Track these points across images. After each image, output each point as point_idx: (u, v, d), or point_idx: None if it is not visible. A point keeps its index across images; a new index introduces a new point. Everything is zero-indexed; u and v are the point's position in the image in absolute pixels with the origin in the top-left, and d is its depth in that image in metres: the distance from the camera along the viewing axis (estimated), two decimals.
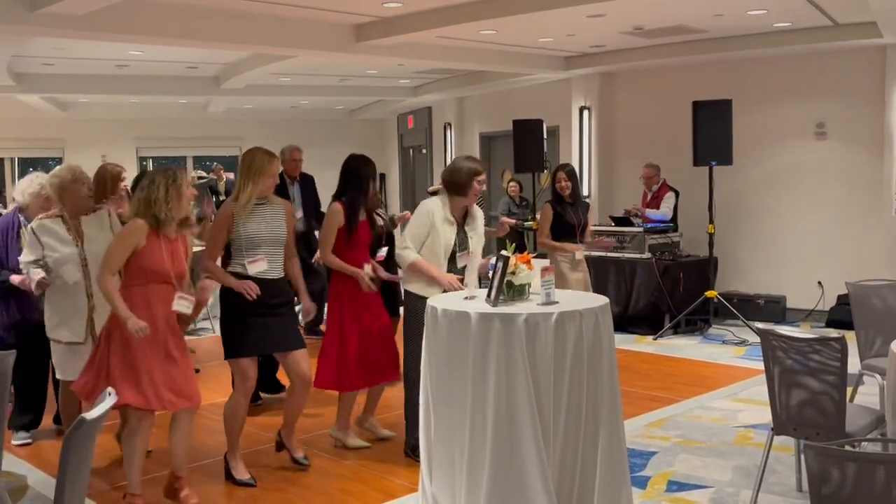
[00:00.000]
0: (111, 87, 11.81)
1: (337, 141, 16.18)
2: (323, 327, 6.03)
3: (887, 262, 8.16)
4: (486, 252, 5.08)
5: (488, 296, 3.72)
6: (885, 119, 8.37)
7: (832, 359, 3.57)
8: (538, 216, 7.08)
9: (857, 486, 2.23)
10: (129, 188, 5.35)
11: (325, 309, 5.21)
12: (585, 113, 10.86)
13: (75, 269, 4.60)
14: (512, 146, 9.46)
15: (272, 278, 4.46)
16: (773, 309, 9.03)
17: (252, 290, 4.30)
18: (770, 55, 8.98)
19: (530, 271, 3.78)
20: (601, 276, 8.35)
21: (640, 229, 8.68)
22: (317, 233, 7.56)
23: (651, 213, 9.03)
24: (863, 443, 3.62)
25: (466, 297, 3.89)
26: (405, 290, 4.68)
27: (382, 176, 16.25)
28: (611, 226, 9.07)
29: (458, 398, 3.56)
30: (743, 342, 7.96)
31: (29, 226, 4.77)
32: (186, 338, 4.37)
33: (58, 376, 4.78)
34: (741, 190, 9.36)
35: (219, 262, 4.49)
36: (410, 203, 15.86)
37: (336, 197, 4.98)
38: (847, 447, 2.33)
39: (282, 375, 5.78)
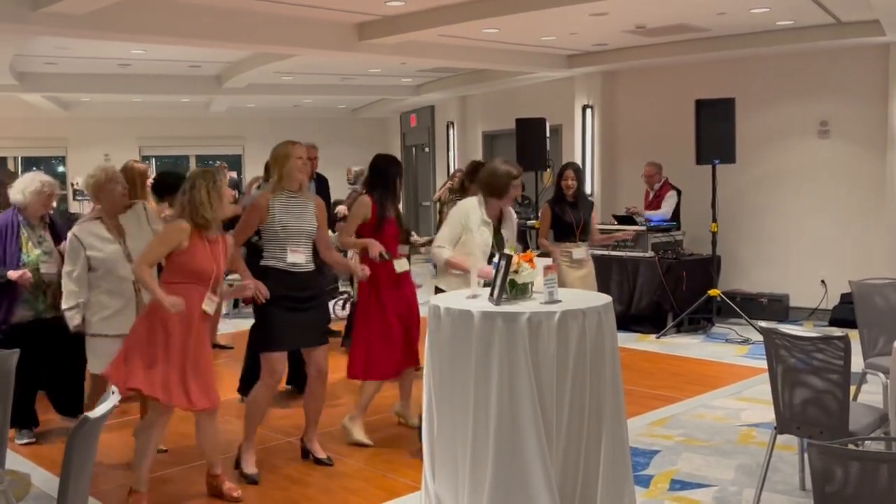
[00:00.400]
0: (113, 87, 11.82)
1: (339, 140, 16.19)
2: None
3: (890, 261, 8.15)
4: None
5: (491, 294, 3.72)
6: (888, 117, 8.36)
7: (835, 357, 3.56)
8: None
9: (861, 485, 2.23)
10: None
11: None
12: (588, 111, 10.85)
13: (126, 264, 4.69)
14: (514, 145, 9.46)
15: (304, 271, 4.56)
16: (776, 307, 9.02)
17: (261, 293, 4.36)
18: (773, 54, 8.97)
19: (533, 270, 3.78)
20: (604, 274, 8.34)
21: (644, 228, 8.67)
22: (329, 231, 7.67)
23: (650, 214, 9.03)
24: (866, 441, 3.61)
25: (469, 296, 3.89)
26: (436, 288, 4.80)
27: None
28: (613, 224, 9.07)
29: (460, 397, 3.56)
30: (746, 341, 7.95)
31: (70, 232, 4.83)
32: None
33: (94, 371, 4.81)
34: (744, 188, 9.35)
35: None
36: (412, 202, 15.87)
37: (368, 192, 5.15)
38: (850, 446, 2.33)
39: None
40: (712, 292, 8.33)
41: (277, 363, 4.55)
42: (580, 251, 6.62)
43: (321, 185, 7.56)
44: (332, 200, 7.92)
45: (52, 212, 5.32)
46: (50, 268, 5.04)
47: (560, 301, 3.65)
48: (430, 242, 8.92)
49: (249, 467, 4.60)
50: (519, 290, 3.77)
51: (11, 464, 4.41)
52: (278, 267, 4.49)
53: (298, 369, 5.92)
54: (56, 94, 12.76)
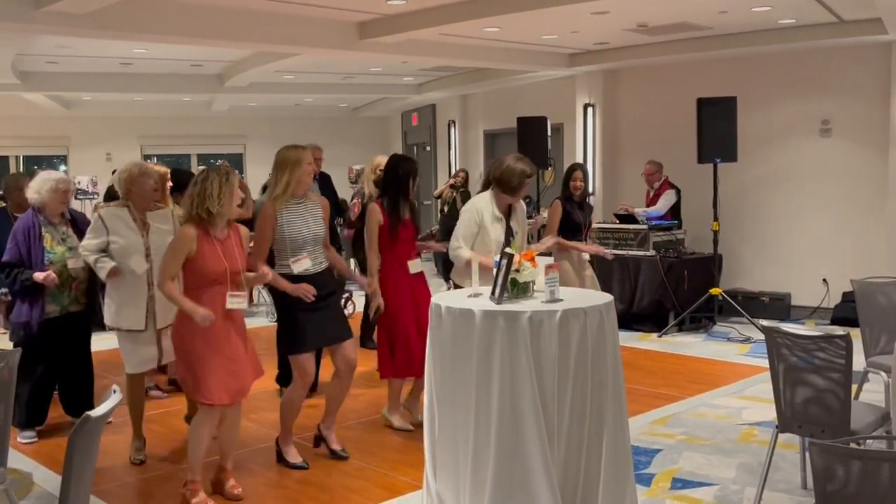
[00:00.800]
0: (115, 85, 11.83)
1: (340, 139, 16.20)
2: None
3: (892, 260, 8.14)
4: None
5: (492, 293, 3.72)
6: (890, 116, 8.35)
7: (837, 356, 3.56)
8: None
9: (862, 484, 2.23)
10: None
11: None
12: (589, 110, 10.85)
13: (141, 258, 4.76)
14: (516, 143, 9.45)
15: (317, 272, 4.59)
16: (778, 306, 9.02)
17: (309, 293, 4.42)
18: (775, 52, 8.96)
19: (534, 269, 3.78)
20: (605, 273, 8.34)
21: (645, 226, 8.67)
22: (338, 228, 7.73)
23: (646, 211, 9.02)
24: (868, 440, 3.61)
25: (471, 295, 3.89)
26: (454, 284, 4.88)
27: None
28: (615, 223, 9.07)
29: (462, 396, 3.56)
30: (747, 339, 7.95)
31: (95, 213, 4.93)
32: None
33: (126, 370, 4.90)
34: (746, 187, 9.34)
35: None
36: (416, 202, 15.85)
37: (379, 196, 5.23)
38: (852, 445, 2.33)
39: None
40: (714, 291, 8.32)
41: (307, 364, 4.62)
42: (587, 252, 6.69)
43: (325, 183, 7.59)
44: (340, 198, 7.97)
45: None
46: (76, 262, 5.11)
47: (561, 300, 3.65)
48: (430, 237, 8.95)
49: (294, 457, 4.72)
50: (520, 289, 3.77)
51: (13, 462, 4.42)
52: (288, 275, 4.52)
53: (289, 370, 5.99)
54: (58, 93, 12.76)
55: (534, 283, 3.81)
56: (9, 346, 5.00)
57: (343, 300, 9.31)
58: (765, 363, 4.15)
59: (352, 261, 7.61)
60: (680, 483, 4.40)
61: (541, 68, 10.59)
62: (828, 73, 8.82)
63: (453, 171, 12.68)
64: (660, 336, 8.25)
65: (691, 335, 8.29)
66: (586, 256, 6.66)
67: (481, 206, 4.82)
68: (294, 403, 4.69)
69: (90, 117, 14.82)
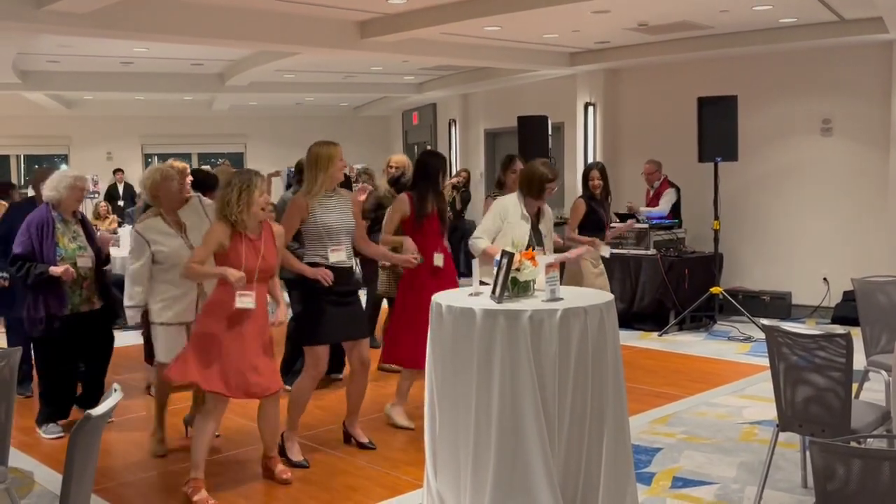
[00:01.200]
0: (116, 85, 11.84)
1: (341, 138, 16.05)
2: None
3: (893, 258, 8.13)
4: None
5: (493, 292, 3.72)
6: (891, 115, 8.34)
7: (837, 355, 3.56)
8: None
9: (863, 483, 2.22)
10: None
11: None
12: (590, 109, 10.84)
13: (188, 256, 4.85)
14: (517, 143, 9.45)
15: (344, 267, 4.66)
16: (779, 305, 9.01)
17: (327, 277, 4.50)
18: (775, 51, 8.96)
19: (535, 268, 3.78)
20: (607, 272, 8.33)
21: (646, 225, 8.67)
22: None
23: (649, 211, 9.04)
24: (868, 439, 3.61)
25: (471, 294, 3.89)
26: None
27: None
28: (616, 222, 9.06)
29: (462, 395, 3.56)
30: (748, 338, 7.95)
31: (132, 228, 5.05)
32: None
33: (160, 358, 4.90)
34: (746, 186, 9.34)
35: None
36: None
37: (408, 189, 5.45)
38: (852, 444, 2.33)
39: None
40: (714, 290, 8.32)
41: (322, 356, 4.67)
42: (605, 249, 6.79)
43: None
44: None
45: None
46: (85, 261, 5.17)
47: (562, 299, 3.65)
48: None
49: (296, 455, 4.73)
50: (521, 288, 3.77)
51: (14, 461, 4.42)
52: (322, 264, 4.58)
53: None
54: (59, 93, 12.78)
55: (534, 281, 3.81)
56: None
57: None
58: (765, 362, 4.15)
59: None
60: (680, 482, 4.40)
61: (541, 67, 10.59)
62: (829, 73, 8.82)
63: (454, 171, 12.68)
64: (660, 335, 8.25)
65: (692, 334, 8.29)
66: (605, 253, 6.76)
67: (508, 204, 5.00)
68: (303, 394, 4.71)
69: (91, 116, 14.83)
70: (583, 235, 6.77)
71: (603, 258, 6.82)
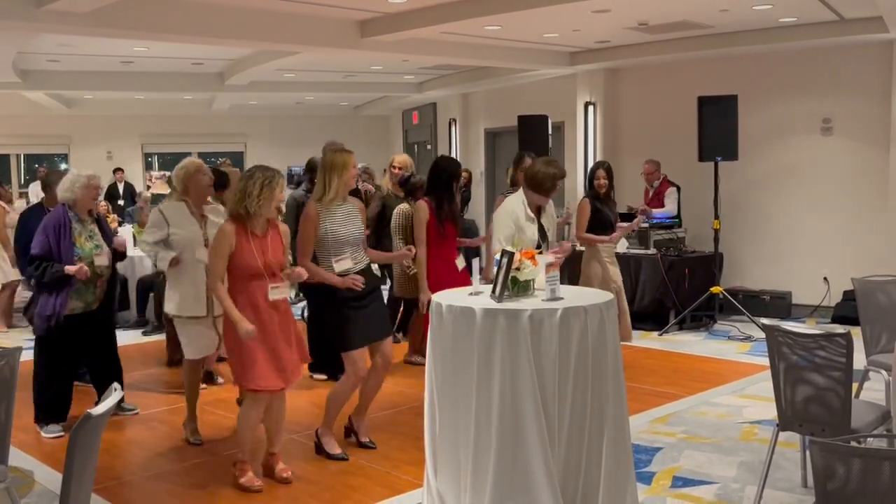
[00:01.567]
0: (116, 84, 11.84)
1: (341, 137, 16.06)
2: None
3: (893, 258, 8.13)
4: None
5: (493, 291, 3.72)
6: (891, 114, 8.34)
7: (838, 355, 3.56)
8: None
9: (863, 482, 2.23)
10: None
11: None
12: (590, 108, 10.84)
13: (202, 248, 5.00)
14: (517, 142, 9.45)
15: (359, 270, 4.67)
16: (779, 305, 9.02)
17: (357, 282, 4.53)
18: (776, 51, 8.95)
19: (535, 267, 3.78)
20: None
21: (646, 225, 8.67)
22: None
23: (656, 211, 9.04)
24: (868, 439, 3.61)
25: (472, 293, 3.89)
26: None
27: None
28: (617, 222, 9.06)
29: (462, 394, 3.56)
30: (748, 338, 7.95)
31: (155, 208, 5.24)
32: None
33: (186, 356, 5.15)
34: (746, 186, 9.34)
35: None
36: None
37: (425, 195, 5.54)
38: (852, 443, 2.33)
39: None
40: (714, 289, 8.32)
41: (359, 358, 4.69)
42: (622, 243, 6.84)
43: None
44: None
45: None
46: (102, 260, 5.26)
47: (562, 298, 3.65)
48: None
49: (334, 449, 4.82)
50: (521, 287, 3.77)
51: (14, 460, 4.42)
52: (334, 273, 4.60)
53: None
54: (59, 92, 12.78)
55: (534, 281, 3.81)
56: (9, 344, 5.00)
57: None
58: (765, 361, 4.15)
59: None
60: (681, 481, 4.41)
61: (542, 67, 10.58)
62: (829, 72, 8.81)
63: None
64: (660, 334, 8.25)
65: (692, 334, 8.29)
66: (621, 248, 6.88)
67: (516, 207, 5.00)
68: (343, 396, 4.79)
69: (91, 116, 14.84)
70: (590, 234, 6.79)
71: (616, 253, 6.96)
